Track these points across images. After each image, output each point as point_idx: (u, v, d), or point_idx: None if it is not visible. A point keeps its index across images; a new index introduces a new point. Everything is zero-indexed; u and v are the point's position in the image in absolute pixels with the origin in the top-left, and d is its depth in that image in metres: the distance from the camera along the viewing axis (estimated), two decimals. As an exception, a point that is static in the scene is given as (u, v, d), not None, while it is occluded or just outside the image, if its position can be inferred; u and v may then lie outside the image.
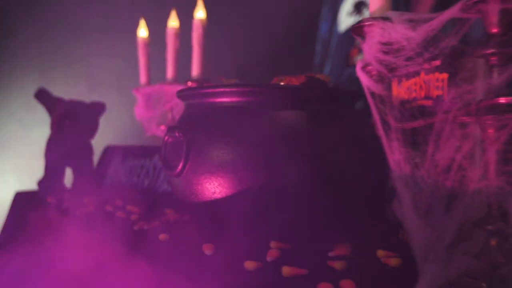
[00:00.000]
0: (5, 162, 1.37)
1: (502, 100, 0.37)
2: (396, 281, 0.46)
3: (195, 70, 0.93)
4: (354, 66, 1.44)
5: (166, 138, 0.65)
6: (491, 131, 0.39)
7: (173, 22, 1.01)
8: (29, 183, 1.20)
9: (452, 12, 0.41)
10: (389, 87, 0.48)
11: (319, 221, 0.58)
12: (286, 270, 0.47)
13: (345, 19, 1.71)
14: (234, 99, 0.61)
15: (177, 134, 0.63)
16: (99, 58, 1.42)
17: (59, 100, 1.13)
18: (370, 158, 0.55)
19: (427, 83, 0.50)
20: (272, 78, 0.72)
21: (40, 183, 1.14)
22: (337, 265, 0.50)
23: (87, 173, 1.14)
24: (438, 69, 0.50)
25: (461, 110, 0.39)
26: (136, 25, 1.09)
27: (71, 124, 1.11)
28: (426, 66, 0.51)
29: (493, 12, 0.39)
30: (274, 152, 0.58)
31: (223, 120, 0.61)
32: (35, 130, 1.23)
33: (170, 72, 1.02)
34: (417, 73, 0.51)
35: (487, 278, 0.37)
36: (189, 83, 0.91)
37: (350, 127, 0.62)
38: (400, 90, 0.54)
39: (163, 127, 0.98)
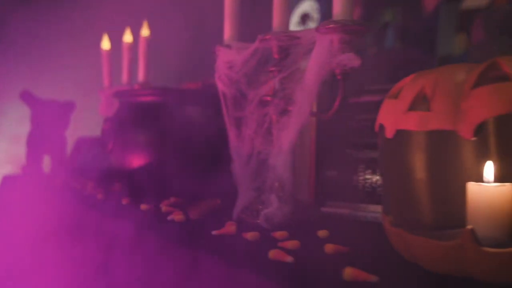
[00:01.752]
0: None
1: (267, 98, 0.63)
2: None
3: (141, 76, 1.19)
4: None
5: (103, 126, 0.91)
6: (274, 116, 0.65)
7: (128, 37, 1.27)
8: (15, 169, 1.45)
9: (256, 44, 0.67)
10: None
11: (201, 183, 0.83)
12: (164, 208, 0.73)
13: (293, 29, 1.99)
14: (147, 98, 0.87)
15: (109, 123, 0.89)
16: (78, 63, 1.68)
17: (38, 100, 1.38)
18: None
19: (270, 85, 0.76)
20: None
21: (23, 168, 1.40)
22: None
23: (62, 159, 1.40)
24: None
25: (254, 104, 0.65)
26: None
27: (47, 119, 1.37)
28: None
29: (274, 45, 0.65)
30: (171, 135, 0.83)
31: (139, 113, 0.87)
32: (20, 124, 1.48)
33: (125, 77, 1.27)
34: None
35: (259, 202, 0.63)
36: (135, 86, 1.17)
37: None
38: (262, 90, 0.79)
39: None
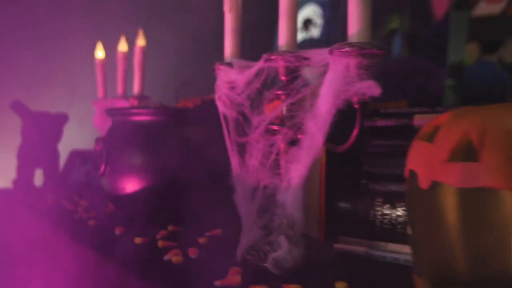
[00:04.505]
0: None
1: (274, 127, 0.56)
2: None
3: (136, 88, 1.12)
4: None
5: (95, 146, 0.85)
6: (282, 145, 0.58)
7: (123, 46, 1.20)
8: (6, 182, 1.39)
9: (260, 64, 0.60)
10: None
11: (204, 210, 0.77)
12: (160, 243, 0.67)
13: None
14: (142, 118, 0.80)
15: (101, 144, 0.82)
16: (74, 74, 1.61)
17: (29, 111, 1.32)
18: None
19: (277, 111, 0.69)
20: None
21: (15, 182, 1.33)
22: (202, 240, 0.69)
23: (54, 173, 1.34)
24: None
25: (259, 131, 0.58)
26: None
27: (39, 131, 1.30)
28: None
29: (281, 66, 0.58)
30: (170, 157, 0.77)
31: (135, 133, 0.80)
32: (10, 136, 1.41)
33: (119, 89, 1.21)
34: (272, 100, 0.69)
35: (266, 243, 0.56)
36: (130, 100, 1.10)
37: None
38: (267, 111, 0.73)
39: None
